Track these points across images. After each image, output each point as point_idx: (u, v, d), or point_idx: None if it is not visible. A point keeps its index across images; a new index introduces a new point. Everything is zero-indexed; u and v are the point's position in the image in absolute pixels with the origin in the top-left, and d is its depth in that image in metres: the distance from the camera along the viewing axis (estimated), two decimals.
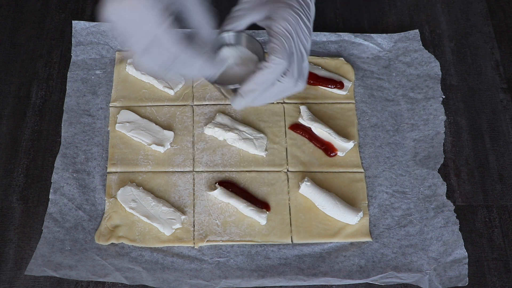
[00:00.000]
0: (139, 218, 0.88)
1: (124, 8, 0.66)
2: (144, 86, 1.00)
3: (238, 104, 0.75)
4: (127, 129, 0.95)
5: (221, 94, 0.83)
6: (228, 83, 0.75)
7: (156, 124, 0.96)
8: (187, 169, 0.93)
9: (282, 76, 0.74)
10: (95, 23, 1.03)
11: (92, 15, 1.07)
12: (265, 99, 0.76)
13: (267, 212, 0.89)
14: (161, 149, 0.93)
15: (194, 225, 0.89)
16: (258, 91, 0.74)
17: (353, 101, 1.00)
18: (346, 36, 1.05)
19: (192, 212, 0.90)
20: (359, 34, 1.05)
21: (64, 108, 0.97)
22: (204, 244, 0.88)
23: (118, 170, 0.92)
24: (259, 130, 0.96)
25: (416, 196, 0.92)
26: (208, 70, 0.72)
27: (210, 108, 0.98)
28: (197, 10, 0.72)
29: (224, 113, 0.97)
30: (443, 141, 0.96)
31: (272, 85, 0.74)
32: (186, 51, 0.68)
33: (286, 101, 0.99)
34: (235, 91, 0.75)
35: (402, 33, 1.05)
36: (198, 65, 0.70)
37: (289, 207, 0.91)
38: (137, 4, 0.65)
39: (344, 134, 0.96)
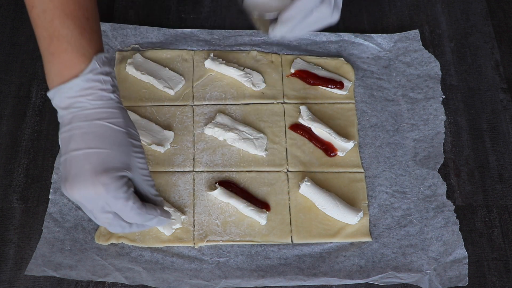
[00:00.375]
0: None
1: (89, 192, 0.70)
2: (144, 86, 1.00)
3: (278, 32, 0.79)
4: None
5: (258, 25, 0.84)
6: (266, 11, 0.78)
7: (156, 124, 0.96)
8: (187, 169, 0.93)
9: (319, 6, 0.77)
10: None
11: None
12: (302, 28, 0.79)
13: (267, 212, 0.89)
14: (161, 149, 0.93)
15: (194, 225, 0.89)
16: (297, 19, 0.77)
17: (353, 101, 1.00)
18: (346, 36, 1.05)
19: (192, 212, 0.90)
20: (359, 34, 1.05)
21: None
22: (204, 244, 0.88)
23: None
24: (259, 130, 0.96)
25: (416, 196, 0.92)
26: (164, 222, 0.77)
27: (210, 108, 0.98)
28: (144, 184, 0.75)
29: (224, 113, 0.98)
30: (443, 141, 0.96)
31: (311, 13, 0.77)
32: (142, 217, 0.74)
33: (286, 101, 0.99)
34: (273, 21, 0.78)
35: (402, 33, 1.05)
36: (153, 223, 0.76)
37: (289, 207, 0.91)
38: (102, 189, 0.69)
39: (344, 134, 0.96)
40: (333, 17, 0.80)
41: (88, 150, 0.70)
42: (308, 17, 0.78)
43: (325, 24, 0.81)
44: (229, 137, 0.94)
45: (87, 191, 0.69)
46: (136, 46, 1.03)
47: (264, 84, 1.00)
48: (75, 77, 0.71)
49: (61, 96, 0.71)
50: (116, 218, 0.73)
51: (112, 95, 0.73)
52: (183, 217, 0.89)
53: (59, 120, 0.73)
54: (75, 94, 0.71)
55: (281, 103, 0.99)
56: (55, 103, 0.72)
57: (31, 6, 0.72)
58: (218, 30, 1.05)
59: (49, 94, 0.72)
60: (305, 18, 0.78)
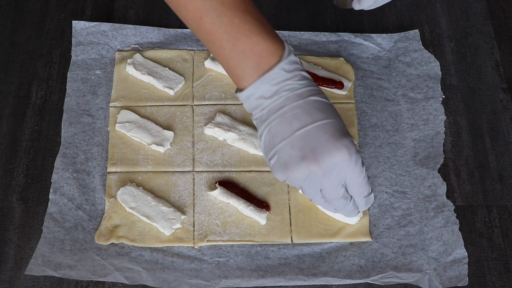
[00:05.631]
0: (139, 218, 0.88)
1: (335, 158, 0.73)
2: (144, 86, 1.00)
3: (366, 3, 0.81)
4: (127, 129, 0.95)
5: (337, 1, 0.85)
6: None
7: (156, 124, 0.96)
8: (187, 169, 0.93)
9: None
10: (95, 23, 1.03)
11: (92, 15, 1.07)
12: None
13: (267, 212, 0.89)
14: (161, 149, 0.93)
15: (194, 225, 0.89)
16: None
17: (353, 101, 1.00)
18: (346, 36, 1.05)
19: (192, 212, 0.90)
20: (359, 34, 1.05)
21: (64, 108, 0.97)
22: (204, 244, 0.88)
23: (118, 170, 0.92)
24: None
25: (416, 196, 0.92)
26: None
27: (210, 108, 0.98)
28: None
29: (224, 113, 0.98)
30: (443, 141, 0.96)
31: None
32: None
33: None
34: None
35: (402, 33, 1.05)
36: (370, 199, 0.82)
37: (289, 207, 0.91)
38: (346, 152, 0.73)
39: None
40: None
41: (317, 123, 0.72)
42: None
43: None
44: (229, 137, 0.94)
45: (332, 158, 0.71)
46: (136, 46, 1.03)
47: None
48: (278, 62, 0.73)
49: (266, 86, 0.73)
50: (345, 192, 0.75)
51: (307, 74, 0.76)
52: (183, 217, 0.89)
53: (260, 113, 0.75)
54: (282, 78, 0.73)
55: None
56: (260, 94, 0.74)
57: (199, 17, 0.72)
58: None
59: (246, 93, 0.74)
60: None
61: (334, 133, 0.72)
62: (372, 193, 0.80)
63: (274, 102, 0.74)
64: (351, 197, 0.80)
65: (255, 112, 0.77)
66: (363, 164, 0.75)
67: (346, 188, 0.77)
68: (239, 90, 0.77)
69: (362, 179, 0.75)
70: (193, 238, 0.88)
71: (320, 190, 0.76)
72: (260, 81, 0.73)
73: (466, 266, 0.85)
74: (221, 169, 0.93)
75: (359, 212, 0.84)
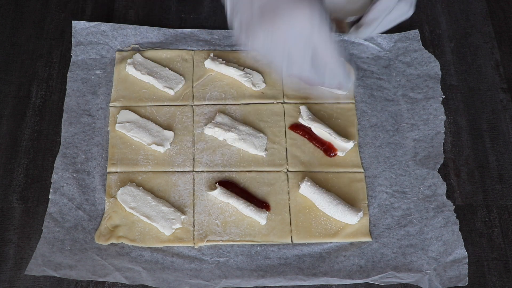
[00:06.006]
0: (139, 218, 0.88)
1: (297, 18, 0.67)
2: (144, 86, 1.00)
3: (363, 34, 0.81)
4: (127, 129, 0.95)
5: (338, 28, 0.84)
6: (348, 15, 0.81)
7: (156, 124, 0.96)
8: (187, 169, 0.93)
9: (398, 4, 0.79)
10: (95, 23, 1.03)
11: (92, 15, 1.07)
12: (384, 26, 0.81)
13: (267, 212, 0.89)
14: (161, 149, 0.93)
15: (194, 225, 0.89)
16: (380, 19, 0.79)
17: (353, 101, 1.00)
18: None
19: (192, 212, 0.90)
20: None
21: (64, 108, 0.97)
22: (204, 244, 0.88)
23: (118, 170, 0.92)
24: (259, 130, 0.96)
25: (416, 196, 0.92)
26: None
27: (210, 108, 0.98)
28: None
29: (224, 113, 0.98)
30: (443, 141, 0.96)
31: (390, 12, 0.79)
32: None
33: (286, 101, 0.99)
34: (353, 23, 0.81)
35: (402, 33, 1.05)
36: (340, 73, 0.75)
37: (289, 207, 0.91)
38: (307, 12, 0.67)
39: (344, 134, 0.96)
40: (409, 12, 0.81)
41: None
42: (388, 16, 0.80)
43: (402, 20, 0.82)
44: (229, 137, 0.94)
45: (292, 16, 0.66)
46: (136, 46, 1.03)
47: (264, 84, 1.00)
48: None
49: None
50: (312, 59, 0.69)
51: None
52: (183, 217, 0.89)
53: None
54: None
55: (281, 103, 0.99)
56: None
57: None
58: (218, 30, 1.05)
59: None
60: (386, 17, 0.80)
61: None
62: (346, 69, 0.74)
63: None
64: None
65: None
66: (331, 28, 0.69)
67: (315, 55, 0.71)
68: None
69: (330, 43, 0.69)
70: (193, 238, 0.88)
71: (288, 58, 0.70)
72: None
73: (466, 266, 0.85)
74: (221, 169, 0.93)
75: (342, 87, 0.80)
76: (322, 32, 0.68)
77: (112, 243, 0.87)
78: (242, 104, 0.99)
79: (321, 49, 0.69)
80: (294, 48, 0.69)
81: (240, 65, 1.01)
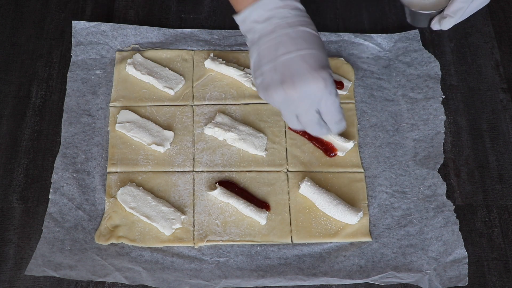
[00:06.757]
0: (139, 218, 0.88)
1: (310, 87, 0.78)
2: (144, 86, 1.00)
3: (447, 24, 0.86)
4: (127, 129, 0.95)
5: (411, 20, 0.92)
6: (429, 9, 0.88)
7: (156, 124, 0.96)
8: (187, 169, 0.93)
9: None
10: (95, 23, 1.03)
11: (92, 15, 1.07)
12: (465, 15, 0.86)
13: (267, 212, 0.89)
14: (161, 149, 0.94)
15: (194, 225, 0.89)
16: (465, 8, 0.84)
17: (353, 101, 1.00)
18: (346, 36, 1.05)
19: (192, 212, 0.90)
20: (359, 34, 1.05)
21: (64, 108, 0.97)
22: (204, 244, 0.88)
23: (118, 170, 0.92)
24: (259, 130, 0.96)
25: (416, 196, 0.92)
26: None
27: (210, 108, 0.98)
28: None
29: (224, 113, 0.98)
30: (443, 141, 0.96)
31: (472, 0, 0.84)
32: None
33: None
34: (435, 15, 0.87)
35: (402, 33, 1.05)
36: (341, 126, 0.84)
37: (289, 207, 0.91)
38: (322, 83, 0.78)
39: (344, 134, 0.96)
40: None
41: (301, 52, 0.77)
42: (471, 4, 0.84)
43: (481, 7, 0.86)
44: (229, 137, 0.94)
45: (308, 87, 0.77)
46: (136, 46, 1.03)
47: None
48: None
49: (260, 11, 0.79)
50: (319, 118, 0.80)
51: (301, 5, 0.81)
52: (183, 217, 0.89)
53: (252, 36, 0.81)
54: (275, 5, 0.79)
55: None
56: (254, 18, 0.79)
57: None
58: (218, 30, 1.05)
59: (242, 16, 0.80)
60: (469, 5, 0.84)
61: (314, 64, 0.77)
62: (344, 121, 0.82)
63: (266, 27, 0.79)
64: (325, 123, 0.83)
65: (248, 35, 0.82)
66: (337, 95, 0.79)
67: (320, 115, 0.81)
68: (236, 13, 0.82)
69: (335, 108, 0.80)
70: (193, 238, 0.88)
71: (296, 116, 0.81)
72: (254, 5, 0.79)
73: (466, 266, 0.85)
74: (221, 169, 0.93)
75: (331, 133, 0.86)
76: (330, 100, 0.79)
77: (112, 243, 0.87)
78: (242, 104, 0.99)
79: (325, 113, 0.80)
80: (303, 110, 0.79)
81: (240, 65, 1.01)
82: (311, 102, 0.78)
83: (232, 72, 1.00)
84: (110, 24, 1.04)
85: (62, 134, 0.94)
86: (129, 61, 1.00)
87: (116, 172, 0.92)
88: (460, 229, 0.88)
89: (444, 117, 0.98)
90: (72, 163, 0.92)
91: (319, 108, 0.79)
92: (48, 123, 0.97)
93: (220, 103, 0.99)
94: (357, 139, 0.96)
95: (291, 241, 0.89)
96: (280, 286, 0.86)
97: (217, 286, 0.84)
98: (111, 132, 0.95)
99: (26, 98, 0.99)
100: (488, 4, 1.09)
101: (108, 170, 0.92)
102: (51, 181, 0.91)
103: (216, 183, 0.91)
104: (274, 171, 0.94)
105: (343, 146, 0.95)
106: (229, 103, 0.99)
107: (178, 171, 0.93)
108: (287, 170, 0.94)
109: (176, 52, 1.03)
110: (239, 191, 0.91)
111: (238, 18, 0.81)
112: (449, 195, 0.92)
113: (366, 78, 1.02)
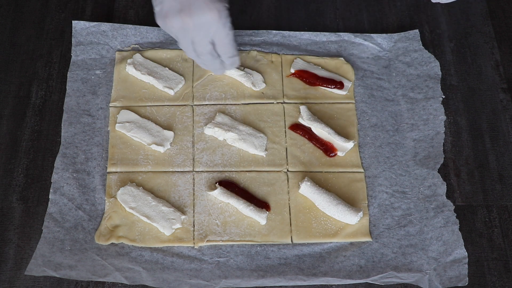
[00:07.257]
0: (139, 218, 0.88)
1: (205, 17, 0.83)
2: (144, 86, 1.00)
3: None
4: (127, 129, 0.95)
5: None
6: None
7: (156, 124, 0.96)
8: (187, 169, 0.93)
9: None
10: (95, 23, 1.03)
11: (92, 15, 1.07)
12: None
13: (267, 212, 0.89)
14: (161, 149, 0.94)
15: (194, 225, 0.89)
16: None
17: (353, 101, 1.00)
18: (346, 36, 1.05)
19: (192, 212, 0.90)
20: (359, 34, 1.05)
21: (64, 108, 0.97)
22: (204, 244, 0.88)
23: (118, 170, 0.92)
24: (259, 130, 0.96)
25: (416, 196, 0.92)
26: None
27: (210, 108, 0.98)
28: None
29: (224, 113, 0.98)
30: (443, 141, 0.96)
31: None
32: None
33: (286, 101, 0.99)
34: None
35: (402, 33, 1.05)
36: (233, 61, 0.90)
37: (289, 207, 0.91)
38: (216, 14, 0.83)
39: (344, 134, 0.96)
40: None
41: None
42: None
43: None
44: (229, 137, 0.94)
45: (204, 16, 0.82)
46: (136, 46, 1.03)
47: (264, 84, 1.00)
48: None
49: None
50: (212, 49, 0.86)
51: None
52: (183, 217, 0.89)
53: None
54: None
55: (281, 103, 0.99)
56: None
57: None
58: None
59: None
60: None
61: None
62: (238, 57, 0.88)
63: None
64: (219, 56, 0.88)
65: None
66: (231, 28, 0.84)
67: (214, 47, 0.86)
68: None
69: (228, 41, 0.85)
70: (193, 238, 0.88)
71: (192, 44, 0.86)
72: None
73: (466, 266, 0.85)
74: (221, 169, 0.93)
75: (225, 70, 0.92)
76: (223, 32, 0.84)
77: (112, 243, 0.87)
78: (242, 104, 0.99)
79: (218, 44, 0.86)
80: (198, 39, 0.85)
81: (240, 65, 1.01)
82: (206, 32, 0.83)
83: (232, 72, 1.00)
84: (110, 24, 1.04)
85: (62, 134, 0.94)
86: (129, 61, 1.00)
87: (116, 172, 0.92)
88: (460, 229, 0.88)
89: (444, 117, 0.98)
90: (72, 163, 0.92)
91: (214, 39, 0.84)
92: (48, 123, 0.97)
93: (220, 103, 0.99)
94: (357, 139, 0.96)
95: (291, 241, 0.89)
96: (280, 286, 0.86)
97: (217, 286, 0.84)
98: (111, 132, 0.95)
99: (26, 98, 0.99)
100: (488, 4, 1.10)
101: (108, 170, 0.92)
102: (51, 181, 0.91)
103: (216, 183, 0.91)
104: (274, 171, 0.94)
105: (343, 146, 0.95)
106: (229, 103, 0.99)
107: (178, 171, 0.93)
108: (287, 170, 0.94)
109: (176, 52, 1.03)
110: (239, 191, 0.91)
111: None
112: (449, 195, 0.92)
113: (366, 78, 1.02)
